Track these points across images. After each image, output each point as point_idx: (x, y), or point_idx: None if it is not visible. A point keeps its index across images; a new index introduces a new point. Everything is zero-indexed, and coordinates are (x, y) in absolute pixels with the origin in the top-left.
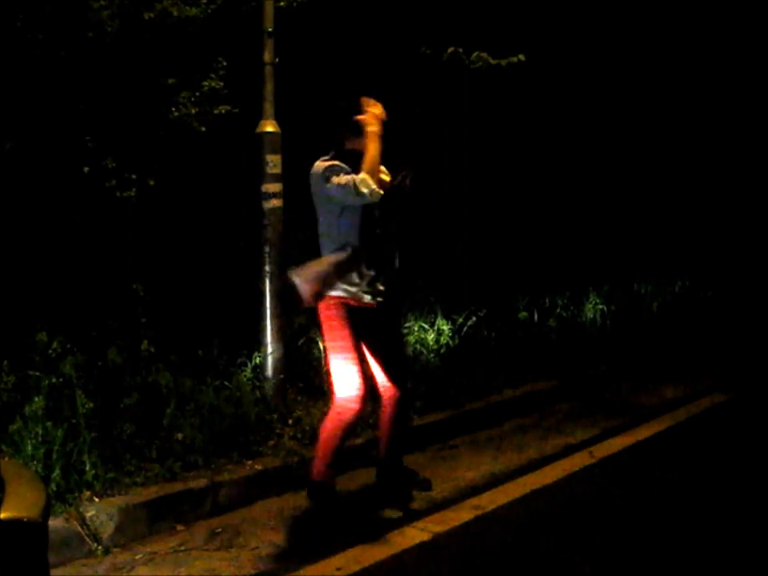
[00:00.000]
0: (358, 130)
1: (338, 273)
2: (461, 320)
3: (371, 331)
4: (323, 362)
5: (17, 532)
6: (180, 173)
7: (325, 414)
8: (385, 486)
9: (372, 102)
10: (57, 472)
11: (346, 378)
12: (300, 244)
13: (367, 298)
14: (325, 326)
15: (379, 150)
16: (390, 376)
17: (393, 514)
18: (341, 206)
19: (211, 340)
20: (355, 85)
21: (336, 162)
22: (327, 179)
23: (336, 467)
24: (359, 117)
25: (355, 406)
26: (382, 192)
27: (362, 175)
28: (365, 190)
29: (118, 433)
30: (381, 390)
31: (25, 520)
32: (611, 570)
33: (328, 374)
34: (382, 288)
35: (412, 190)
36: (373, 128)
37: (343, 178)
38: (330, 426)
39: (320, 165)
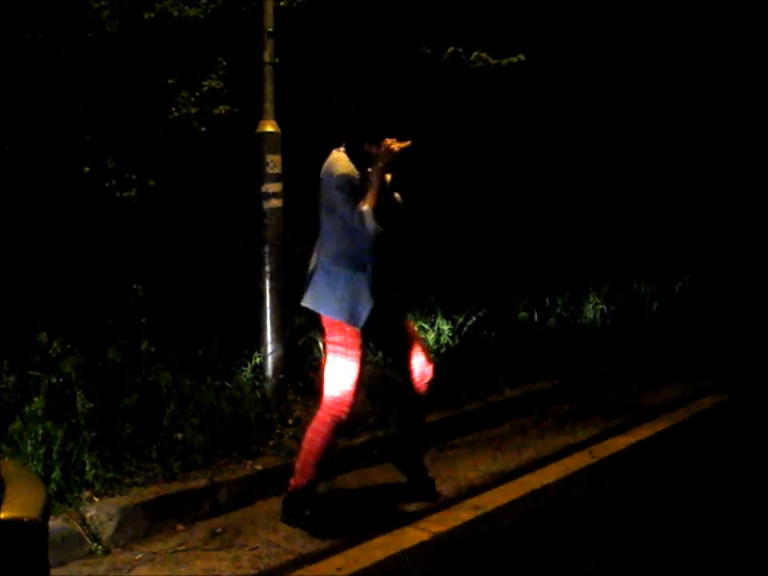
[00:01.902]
0: (376, 140)
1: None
2: (461, 320)
3: (384, 329)
4: (323, 362)
5: (17, 532)
6: (180, 173)
7: None
8: (414, 483)
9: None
10: (57, 472)
11: (343, 378)
12: (297, 258)
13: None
14: (336, 336)
15: (383, 187)
16: (409, 370)
17: (392, 514)
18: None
19: (211, 340)
20: (358, 85)
21: (352, 173)
22: (340, 191)
23: (322, 473)
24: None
25: (347, 408)
26: (382, 230)
27: (366, 208)
28: (369, 226)
29: (118, 433)
30: (415, 373)
31: (25, 520)
32: (611, 570)
33: (322, 371)
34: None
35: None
36: (381, 164)
37: (353, 204)
38: (323, 429)
39: (335, 166)
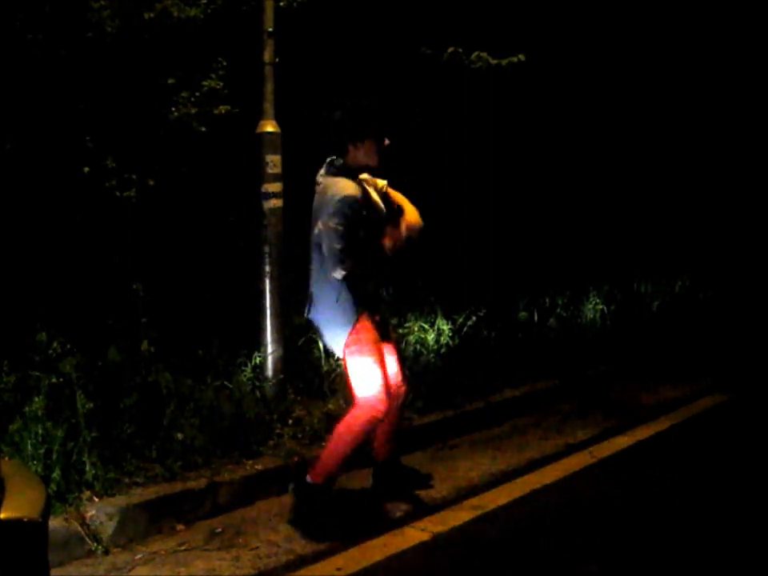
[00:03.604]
0: (359, 139)
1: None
2: (461, 320)
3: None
4: (323, 362)
5: (17, 532)
6: (180, 173)
7: (325, 414)
8: (383, 486)
9: None
10: (57, 472)
11: (371, 376)
12: (297, 258)
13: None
14: (347, 338)
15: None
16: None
17: (393, 514)
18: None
19: (211, 340)
20: (355, 86)
21: (354, 196)
22: (331, 219)
23: (342, 472)
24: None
25: (383, 406)
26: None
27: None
28: (334, 270)
29: (118, 433)
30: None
31: (25, 520)
32: (611, 570)
33: (345, 374)
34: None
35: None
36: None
37: (337, 244)
38: (359, 428)
39: (333, 190)
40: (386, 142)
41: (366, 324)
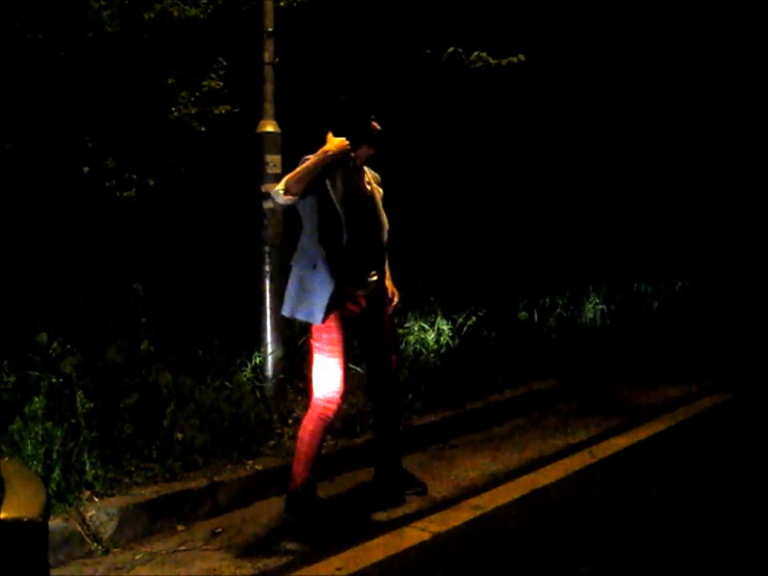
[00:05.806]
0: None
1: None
2: (461, 320)
3: (363, 329)
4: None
5: (17, 532)
6: (180, 173)
7: None
8: (383, 487)
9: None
10: (57, 472)
11: (328, 376)
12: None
13: (359, 291)
14: (316, 335)
15: (313, 167)
16: (382, 375)
17: (392, 514)
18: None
19: (211, 340)
20: (356, 84)
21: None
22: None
23: (317, 471)
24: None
25: (334, 406)
26: (285, 198)
27: (276, 188)
28: (273, 193)
29: (118, 433)
30: (373, 389)
31: (25, 520)
32: (611, 571)
33: (309, 371)
34: (370, 280)
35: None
36: (325, 148)
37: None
38: (312, 427)
39: None
40: (376, 125)
41: (333, 324)
